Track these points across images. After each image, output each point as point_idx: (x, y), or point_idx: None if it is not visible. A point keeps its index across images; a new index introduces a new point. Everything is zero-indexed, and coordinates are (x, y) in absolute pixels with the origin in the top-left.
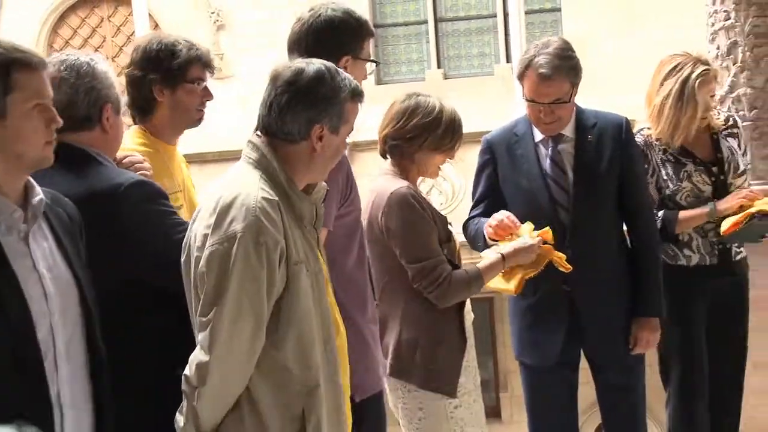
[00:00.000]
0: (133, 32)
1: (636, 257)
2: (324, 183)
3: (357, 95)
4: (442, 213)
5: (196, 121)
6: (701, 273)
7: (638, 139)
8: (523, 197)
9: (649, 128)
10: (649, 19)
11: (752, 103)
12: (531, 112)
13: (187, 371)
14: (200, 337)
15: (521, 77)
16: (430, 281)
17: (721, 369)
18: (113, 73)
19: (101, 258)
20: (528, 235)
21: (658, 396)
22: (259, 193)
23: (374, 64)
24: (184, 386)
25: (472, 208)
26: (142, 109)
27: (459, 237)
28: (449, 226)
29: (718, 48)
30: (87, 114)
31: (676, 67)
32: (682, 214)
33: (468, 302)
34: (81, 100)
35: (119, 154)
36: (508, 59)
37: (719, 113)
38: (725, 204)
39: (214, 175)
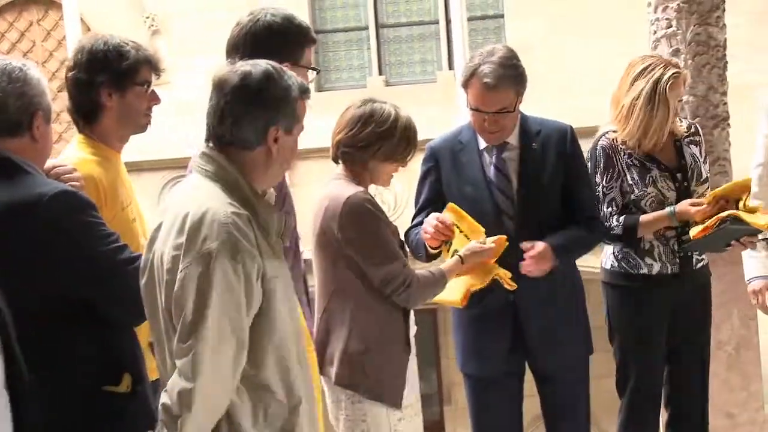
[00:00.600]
0: (64, 37)
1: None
2: (272, 189)
3: (304, 92)
4: None
5: (144, 126)
6: (663, 281)
7: (603, 142)
8: (467, 205)
9: (614, 131)
10: (592, 26)
11: (694, 111)
12: (475, 120)
13: (166, 400)
14: (180, 363)
15: (465, 86)
16: (399, 284)
17: (682, 380)
18: (45, 81)
19: (23, 271)
20: (481, 240)
21: (605, 408)
22: (227, 208)
23: (315, 72)
24: (162, 416)
25: (415, 216)
26: (87, 115)
27: None
28: (400, 237)
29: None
30: (17, 120)
31: (647, 68)
32: (643, 218)
33: (412, 313)
34: (12, 105)
35: (48, 164)
36: (451, 66)
37: (681, 120)
38: (684, 206)
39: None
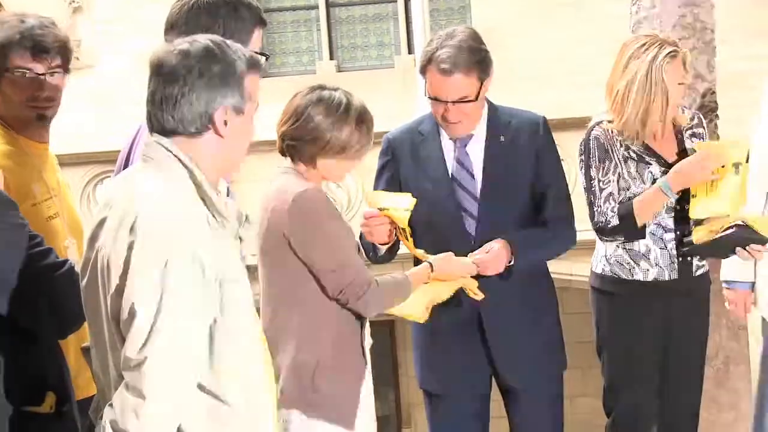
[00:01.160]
0: None
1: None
2: (223, 181)
3: (254, 65)
4: None
5: (33, 118)
6: (659, 289)
7: (596, 132)
8: (427, 203)
9: (610, 121)
10: (568, 8)
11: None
12: (435, 110)
13: (112, 416)
14: (129, 376)
15: (423, 71)
16: (356, 290)
17: (675, 397)
18: None
19: None
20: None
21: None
22: (181, 204)
23: (264, 58)
24: None
25: None
26: None
27: None
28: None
29: None
30: None
31: (641, 47)
32: (636, 202)
33: (367, 325)
34: None
35: None
36: (410, 50)
37: (683, 110)
38: (678, 178)
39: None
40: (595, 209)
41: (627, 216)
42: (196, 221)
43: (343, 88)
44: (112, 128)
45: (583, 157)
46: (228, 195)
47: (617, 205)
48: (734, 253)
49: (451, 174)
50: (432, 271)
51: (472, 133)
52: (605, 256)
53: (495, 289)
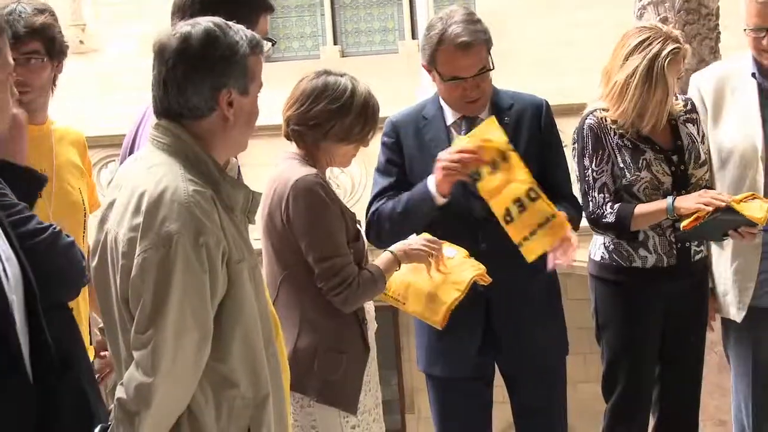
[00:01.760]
0: None
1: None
2: (235, 159)
3: (256, 46)
4: None
5: (17, 102)
6: (658, 275)
7: (590, 121)
8: None
9: (604, 109)
10: None
11: (682, 87)
12: (453, 92)
13: (122, 394)
14: (138, 356)
15: (434, 56)
16: (338, 282)
17: (673, 384)
18: None
19: None
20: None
21: (580, 415)
22: (188, 185)
23: (271, 44)
24: (118, 413)
25: (375, 200)
26: None
27: None
28: (358, 225)
29: None
30: None
31: (643, 41)
32: (639, 208)
33: (372, 309)
34: None
35: None
36: (414, 35)
37: (676, 96)
38: (684, 203)
39: None
40: (589, 199)
41: (625, 218)
42: (203, 202)
43: (348, 73)
44: (117, 111)
45: (576, 146)
46: (238, 177)
47: (612, 200)
48: (727, 236)
49: None
50: (399, 264)
51: (477, 115)
52: (604, 243)
53: (501, 272)
